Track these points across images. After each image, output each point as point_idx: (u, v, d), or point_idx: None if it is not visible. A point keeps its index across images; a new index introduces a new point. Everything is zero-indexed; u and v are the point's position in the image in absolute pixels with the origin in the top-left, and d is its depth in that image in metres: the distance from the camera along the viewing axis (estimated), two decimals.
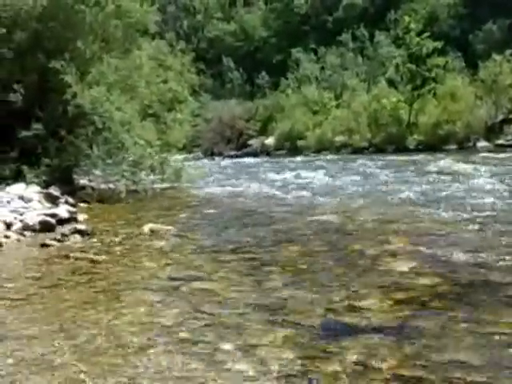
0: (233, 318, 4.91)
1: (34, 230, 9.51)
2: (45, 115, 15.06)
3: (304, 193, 14.25)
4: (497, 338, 4.17)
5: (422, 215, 9.56)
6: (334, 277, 6.01)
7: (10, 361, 4.17)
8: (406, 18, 41.34)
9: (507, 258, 6.30)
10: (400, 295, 5.21)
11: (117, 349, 4.34)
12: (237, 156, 46.51)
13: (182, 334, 4.59)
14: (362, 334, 4.39)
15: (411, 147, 34.83)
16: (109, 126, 14.80)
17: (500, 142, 33.31)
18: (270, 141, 49.49)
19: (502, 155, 24.21)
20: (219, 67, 77.94)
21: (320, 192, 14.23)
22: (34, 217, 9.87)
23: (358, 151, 37.17)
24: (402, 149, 33.78)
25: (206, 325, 4.76)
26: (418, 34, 39.55)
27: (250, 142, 54.01)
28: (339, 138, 42.48)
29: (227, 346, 4.30)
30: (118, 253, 7.78)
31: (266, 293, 5.57)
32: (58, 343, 4.47)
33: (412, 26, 40.10)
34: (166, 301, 5.49)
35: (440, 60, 39.49)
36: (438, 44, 39.17)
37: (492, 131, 34.92)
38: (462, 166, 18.43)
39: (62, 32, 15.98)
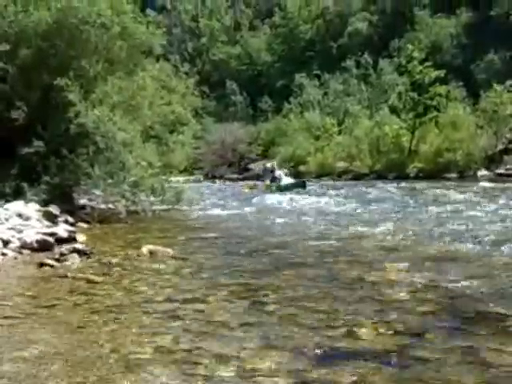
0: (229, 342, 4.84)
1: (32, 249, 9.46)
2: (47, 133, 15.08)
3: (304, 218, 14.25)
4: (494, 368, 4.11)
5: (422, 243, 9.51)
6: (331, 303, 5.95)
7: (5, 381, 4.12)
8: (410, 47, 41.62)
9: (506, 288, 6.28)
10: (397, 323, 5.15)
11: (113, 371, 4.29)
12: (238, 179, 46.55)
13: (178, 356, 4.55)
14: (358, 361, 4.33)
15: (412, 175, 34.94)
16: (111, 146, 14.80)
17: (500, 171, 33.54)
18: (271, 165, 49.45)
19: (501, 185, 24.32)
20: (223, 90, 78.34)
21: (319, 217, 14.22)
22: (32, 235, 9.82)
23: (358, 177, 37.28)
24: (402, 176, 33.83)
25: (201, 348, 4.70)
26: (421, 63, 39.78)
27: (252, 165, 54.15)
28: (340, 164, 42.59)
29: (223, 371, 4.24)
30: (116, 274, 7.73)
31: (263, 318, 5.52)
32: (54, 365, 4.41)
33: (415, 54, 40.37)
34: (162, 324, 5.44)
35: (442, 89, 39.73)
36: (441, 73, 39.47)
37: (492, 160, 35.08)
38: (461, 196, 18.46)
39: (67, 51, 16.07)
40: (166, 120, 18.72)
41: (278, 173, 28.27)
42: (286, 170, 32.45)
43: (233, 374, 4.20)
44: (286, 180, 27.73)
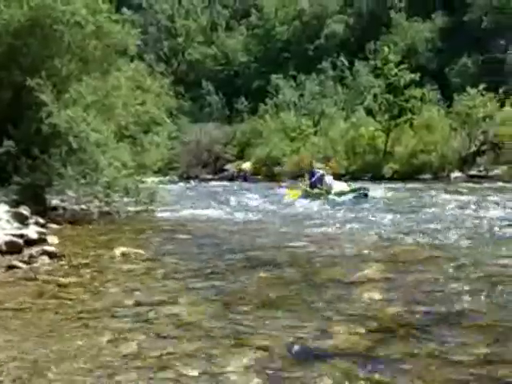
0: (200, 343, 4.82)
1: None
2: (17, 133, 14.89)
3: (279, 219, 14.23)
4: (462, 366, 4.19)
5: (394, 244, 9.57)
6: (304, 304, 5.97)
7: None
8: (386, 49, 41.77)
9: (475, 287, 6.34)
10: (370, 323, 5.19)
11: (81, 375, 4.23)
12: (213, 180, 46.49)
13: (148, 360, 4.50)
14: (331, 360, 4.37)
15: (387, 176, 35.10)
16: (84, 147, 14.64)
17: (473, 172, 34.11)
18: (246, 166, 49.49)
19: (471, 185, 25.13)
20: (198, 90, 78.08)
21: (294, 219, 14.21)
22: (0, 236, 9.66)
23: (334, 178, 37.23)
24: (377, 177, 33.99)
25: (172, 351, 4.67)
26: (397, 65, 39.99)
27: (227, 166, 54.14)
28: (316, 165, 42.56)
29: (194, 373, 4.22)
30: (88, 276, 7.62)
31: (235, 319, 5.50)
32: (19, 370, 4.33)
33: (391, 57, 40.55)
34: (132, 327, 5.37)
35: (417, 91, 40.02)
36: (416, 76, 39.68)
37: (465, 162, 35.50)
38: (435, 196, 18.60)
39: (39, 49, 15.84)
40: (141, 120, 18.52)
41: (327, 178, 20.95)
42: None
43: (204, 376, 4.17)
44: (338, 186, 20.81)
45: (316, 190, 20.50)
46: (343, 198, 19.16)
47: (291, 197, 21.19)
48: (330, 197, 19.56)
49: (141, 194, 16.38)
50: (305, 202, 19.25)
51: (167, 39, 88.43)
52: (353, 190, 20.18)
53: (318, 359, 4.41)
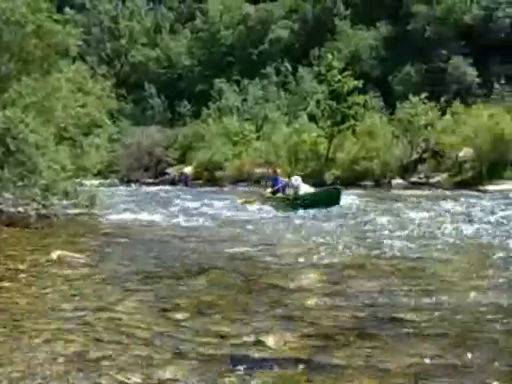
0: (138, 350, 4.77)
1: None
2: None
3: (219, 224, 14.21)
4: (393, 372, 4.22)
5: (336, 251, 9.58)
6: (243, 309, 5.97)
7: None
8: (329, 56, 41.98)
9: (414, 294, 6.41)
10: (309, 329, 5.21)
11: (12, 381, 4.12)
12: (154, 184, 46.19)
13: (85, 366, 4.42)
14: (268, 366, 4.36)
15: (329, 182, 35.29)
16: (22, 149, 14.35)
17: (414, 179, 34.61)
18: (188, 170, 49.26)
19: (412, 192, 25.80)
20: (141, 93, 77.49)
21: (236, 224, 14.19)
22: None
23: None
24: (320, 183, 34.16)
25: (109, 356, 4.61)
26: (340, 72, 40.28)
27: (168, 170, 53.80)
28: (258, 170, 42.70)
29: (130, 379, 4.16)
30: (23, 281, 7.45)
31: (173, 324, 5.48)
32: None
33: (335, 63, 40.77)
34: (70, 332, 5.25)
35: (360, 98, 40.30)
36: (359, 83, 39.99)
37: (407, 169, 35.99)
38: (376, 202, 18.78)
39: None
40: (81, 122, 18.35)
41: (294, 179, 19.52)
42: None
43: (142, 381, 4.14)
44: (305, 188, 18.88)
45: (279, 195, 19.57)
46: (312, 209, 16.58)
47: (246, 202, 20.64)
48: (298, 201, 17.86)
49: (80, 196, 16.15)
50: (265, 208, 18.67)
51: (110, 40, 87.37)
52: (324, 193, 18.49)
53: (256, 366, 4.38)
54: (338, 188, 18.37)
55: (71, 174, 15.62)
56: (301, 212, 16.41)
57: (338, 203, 17.09)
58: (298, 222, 14.55)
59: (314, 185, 20.15)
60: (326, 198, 17.24)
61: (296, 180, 18.97)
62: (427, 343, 4.89)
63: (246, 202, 20.82)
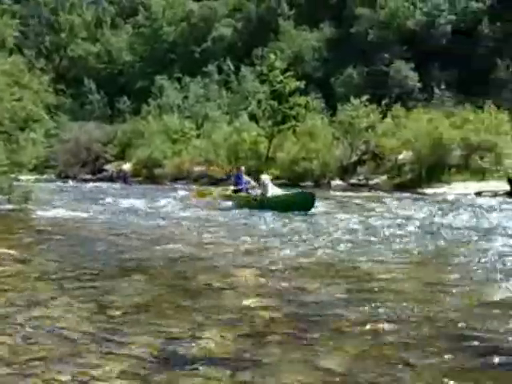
0: (69, 348, 4.61)
1: None
2: None
3: (156, 221, 14.01)
4: (325, 371, 4.19)
5: (273, 251, 9.43)
6: (177, 308, 5.83)
7: None
8: (272, 56, 42.15)
9: (350, 294, 6.42)
10: (243, 328, 5.14)
11: None
12: (92, 180, 45.60)
13: (14, 366, 4.22)
14: (201, 365, 4.30)
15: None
16: None
17: (353, 181, 35.18)
18: (127, 167, 48.67)
19: (350, 193, 26.15)
20: (80, 88, 76.50)
21: (173, 221, 13.95)
22: None
23: (215, 182, 37.24)
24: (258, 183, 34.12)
25: (41, 355, 4.43)
26: (282, 72, 40.35)
27: (107, 166, 53.26)
28: (197, 168, 42.52)
29: (63, 378, 4.01)
30: None
31: (108, 323, 5.30)
32: None
33: (277, 63, 40.97)
34: (0, 329, 5.04)
35: (301, 99, 40.60)
36: (301, 84, 40.20)
37: (346, 171, 36.32)
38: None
39: None
40: (17, 116, 17.92)
41: (264, 177, 18.33)
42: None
43: (72, 381, 4.00)
44: (273, 189, 17.75)
45: (242, 194, 18.76)
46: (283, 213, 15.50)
47: (199, 195, 20.48)
48: (266, 203, 17.05)
49: (15, 192, 15.79)
50: (224, 204, 18.52)
51: (49, 33, 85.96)
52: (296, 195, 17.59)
53: (189, 364, 4.31)
54: (311, 192, 17.59)
55: (6, 169, 15.38)
56: (264, 213, 15.55)
57: (311, 208, 16.19)
58: (241, 221, 14.35)
59: None
60: (300, 202, 16.35)
61: (265, 180, 17.97)
62: (358, 340, 4.85)
63: (199, 195, 20.55)
